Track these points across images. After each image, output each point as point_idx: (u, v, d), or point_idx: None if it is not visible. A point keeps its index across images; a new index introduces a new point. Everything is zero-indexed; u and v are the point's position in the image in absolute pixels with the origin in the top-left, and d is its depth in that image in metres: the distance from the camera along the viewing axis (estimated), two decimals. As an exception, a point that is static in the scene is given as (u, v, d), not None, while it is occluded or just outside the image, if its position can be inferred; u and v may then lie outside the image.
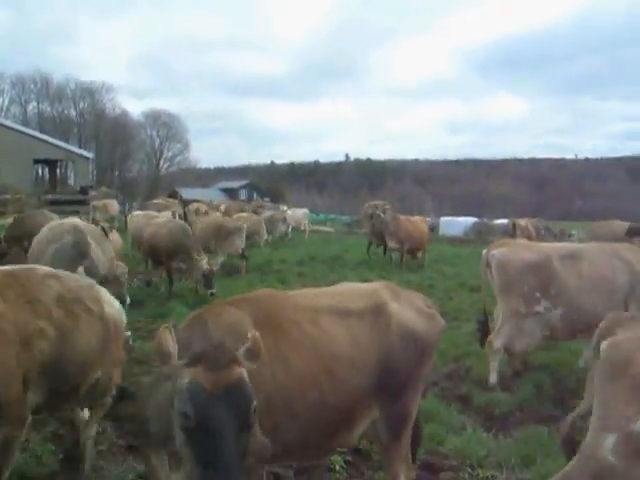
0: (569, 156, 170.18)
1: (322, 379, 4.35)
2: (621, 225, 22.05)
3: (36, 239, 10.41)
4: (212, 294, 14.56)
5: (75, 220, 11.75)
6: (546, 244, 10.17)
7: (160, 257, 15.87)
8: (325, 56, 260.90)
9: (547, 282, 8.72)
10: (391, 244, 22.53)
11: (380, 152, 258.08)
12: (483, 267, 9.22)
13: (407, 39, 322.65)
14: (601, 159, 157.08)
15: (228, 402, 3.07)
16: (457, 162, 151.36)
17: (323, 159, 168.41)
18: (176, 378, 3.23)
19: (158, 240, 15.73)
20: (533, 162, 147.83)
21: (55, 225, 10.81)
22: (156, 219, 19.55)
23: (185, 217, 23.10)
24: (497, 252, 8.96)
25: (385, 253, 24.05)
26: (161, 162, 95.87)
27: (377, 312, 4.80)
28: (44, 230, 10.63)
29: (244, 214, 29.04)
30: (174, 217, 22.25)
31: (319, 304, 4.70)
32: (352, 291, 5.09)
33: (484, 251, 9.34)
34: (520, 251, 8.93)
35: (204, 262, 15.08)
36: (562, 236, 32.19)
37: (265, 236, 27.00)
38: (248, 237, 26.86)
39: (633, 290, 8.96)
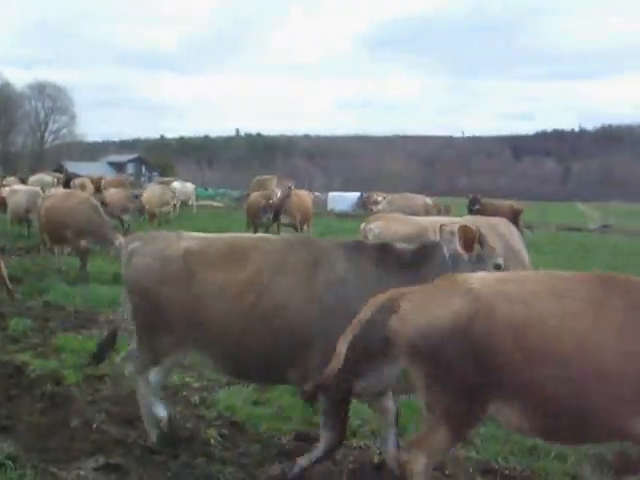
0: (457, 134, 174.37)
1: None
2: (417, 198, 24.66)
3: None
4: None
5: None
6: (422, 217, 10.42)
7: (63, 234, 14.72)
8: (217, 30, 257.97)
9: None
10: (284, 220, 22.83)
11: (271, 127, 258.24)
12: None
13: (301, 16, 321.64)
14: (488, 137, 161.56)
15: None
16: (348, 138, 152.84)
17: (213, 133, 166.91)
18: None
19: (63, 216, 14.62)
20: (422, 139, 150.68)
21: None
22: (53, 191, 19.02)
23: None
24: (374, 225, 9.12)
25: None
26: (46, 135, 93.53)
27: None
28: None
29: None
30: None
31: None
32: None
33: (362, 224, 9.51)
34: (396, 224, 9.10)
35: (121, 239, 14.05)
36: (447, 212, 33.03)
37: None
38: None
39: (506, 263, 9.24)
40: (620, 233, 36.84)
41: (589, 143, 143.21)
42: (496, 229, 9.29)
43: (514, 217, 25.43)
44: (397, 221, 9.31)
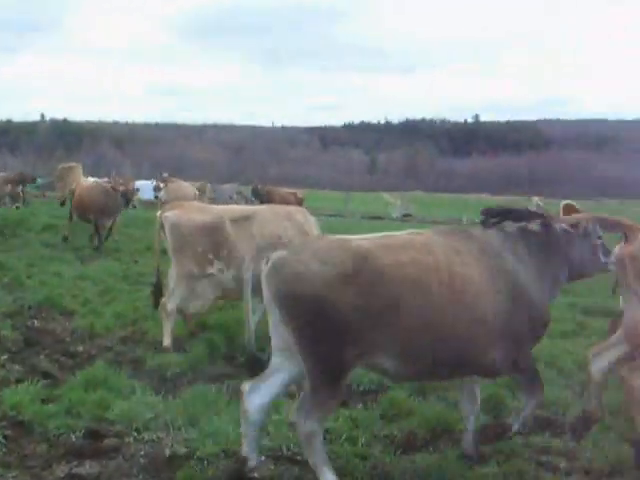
0: (266, 124, 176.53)
1: None
2: (188, 186, 27.56)
3: None
4: None
5: None
6: (220, 206, 10.45)
7: None
8: (23, 8, 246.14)
9: (219, 244, 8.92)
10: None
11: (78, 113, 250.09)
12: (157, 229, 9.22)
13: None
14: (297, 127, 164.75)
15: None
16: (157, 125, 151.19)
17: (17, 118, 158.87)
18: None
19: None
20: (232, 128, 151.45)
21: None
22: None
23: None
24: (170, 214, 9.00)
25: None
26: None
27: None
28: None
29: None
30: None
31: None
32: None
33: (158, 213, 9.35)
34: (192, 213, 9.05)
35: None
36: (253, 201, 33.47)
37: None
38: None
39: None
40: (419, 222, 38.49)
41: (394, 135, 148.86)
42: (293, 217, 9.51)
43: (298, 204, 26.71)
44: (193, 209, 9.27)
